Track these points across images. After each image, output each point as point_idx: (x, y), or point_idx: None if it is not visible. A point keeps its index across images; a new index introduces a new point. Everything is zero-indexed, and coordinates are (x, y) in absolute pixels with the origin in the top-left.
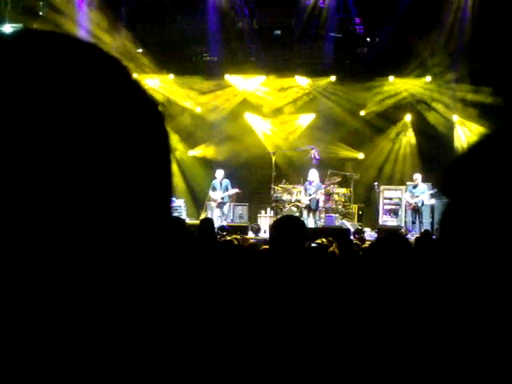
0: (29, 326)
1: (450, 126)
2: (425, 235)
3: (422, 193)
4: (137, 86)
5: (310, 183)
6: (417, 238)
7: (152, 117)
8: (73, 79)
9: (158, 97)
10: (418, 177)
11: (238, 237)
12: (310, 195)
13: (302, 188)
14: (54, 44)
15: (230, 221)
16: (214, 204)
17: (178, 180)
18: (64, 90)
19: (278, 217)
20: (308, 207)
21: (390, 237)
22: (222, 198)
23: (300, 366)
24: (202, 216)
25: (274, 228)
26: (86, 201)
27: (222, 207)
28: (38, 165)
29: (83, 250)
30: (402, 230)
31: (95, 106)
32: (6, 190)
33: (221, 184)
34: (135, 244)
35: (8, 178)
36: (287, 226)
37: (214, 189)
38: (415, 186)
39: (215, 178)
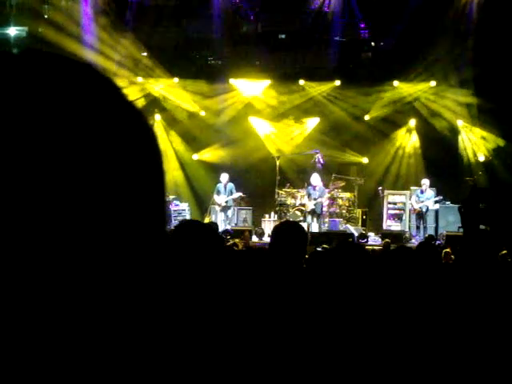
0: (29, 326)
1: (455, 131)
2: (428, 240)
3: (428, 198)
4: (128, 104)
5: (314, 188)
6: (420, 243)
7: (143, 133)
8: (66, 99)
9: (163, 100)
10: (425, 182)
11: (237, 240)
12: (315, 199)
13: (305, 192)
14: (50, 66)
15: (233, 225)
16: (218, 208)
17: (181, 184)
18: (58, 109)
19: (281, 221)
20: (312, 211)
21: (343, 245)
22: (226, 202)
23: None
24: (206, 220)
25: (274, 234)
26: (80, 207)
27: (226, 211)
28: (33, 179)
29: (79, 253)
30: (406, 235)
31: (86, 122)
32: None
33: (225, 188)
34: (131, 248)
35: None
36: (287, 232)
37: (219, 192)
38: (422, 192)
39: (219, 182)
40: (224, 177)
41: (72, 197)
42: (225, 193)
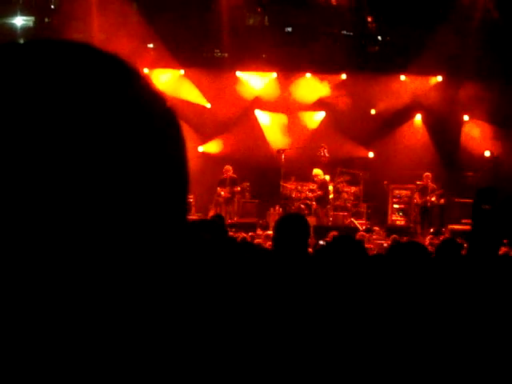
0: (29, 325)
1: (462, 126)
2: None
3: (432, 192)
4: (148, 89)
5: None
6: (438, 245)
7: (164, 119)
8: (84, 88)
9: (169, 92)
10: (427, 176)
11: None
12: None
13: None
14: (66, 55)
15: (238, 217)
16: (222, 200)
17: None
18: (75, 98)
19: (284, 214)
20: (317, 205)
21: (344, 239)
22: (231, 194)
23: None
24: (211, 212)
25: (276, 226)
26: (93, 204)
27: (230, 203)
28: (42, 168)
29: (89, 250)
30: (411, 230)
31: (105, 110)
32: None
33: (229, 180)
34: (148, 244)
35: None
36: (290, 225)
37: (223, 185)
38: (426, 186)
39: (224, 174)
40: (228, 169)
41: (95, 185)
42: (229, 185)
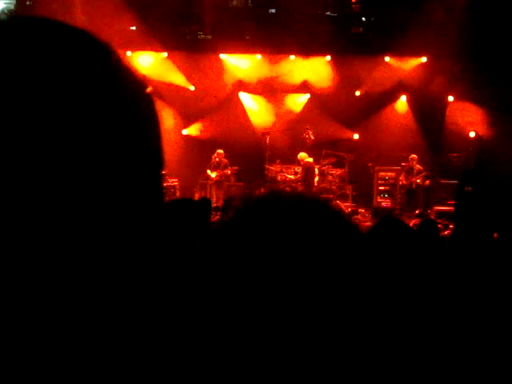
0: (29, 325)
1: (446, 107)
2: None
3: (417, 174)
4: (125, 71)
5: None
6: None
7: (141, 101)
8: (60, 67)
9: (152, 75)
10: (413, 158)
11: None
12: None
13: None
14: (43, 32)
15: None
16: (210, 183)
17: (171, 159)
18: (51, 78)
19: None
20: (302, 187)
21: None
22: (220, 178)
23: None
24: (196, 196)
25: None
26: (81, 193)
27: (219, 187)
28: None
29: (82, 242)
30: (397, 212)
31: (82, 91)
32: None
33: (219, 164)
34: (131, 234)
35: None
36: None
37: (213, 168)
38: (413, 168)
39: (214, 158)
40: (218, 153)
41: (69, 164)
42: (218, 168)
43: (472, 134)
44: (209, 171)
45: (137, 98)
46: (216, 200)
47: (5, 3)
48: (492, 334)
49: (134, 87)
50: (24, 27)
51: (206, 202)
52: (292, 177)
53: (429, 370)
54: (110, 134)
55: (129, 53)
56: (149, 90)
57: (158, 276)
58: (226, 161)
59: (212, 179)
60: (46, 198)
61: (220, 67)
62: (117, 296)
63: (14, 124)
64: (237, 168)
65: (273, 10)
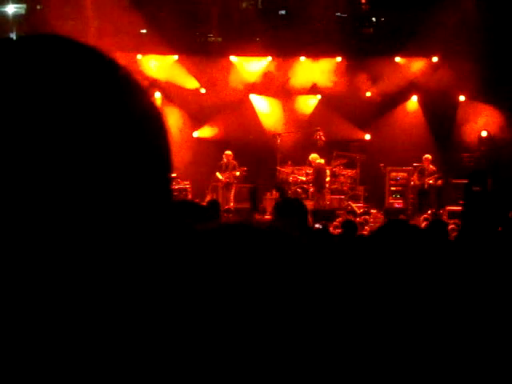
0: (29, 325)
1: (458, 107)
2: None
3: (430, 174)
4: (133, 85)
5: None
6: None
7: (149, 114)
8: (69, 84)
9: (162, 78)
10: (427, 158)
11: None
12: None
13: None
14: (53, 50)
15: (234, 203)
16: (220, 185)
17: (182, 161)
18: (61, 93)
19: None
20: (314, 189)
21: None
22: (229, 179)
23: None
24: (207, 198)
25: (275, 211)
26: (85, 198)
27: (228, 189)
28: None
29: (86, 244)
30: (409, 212)
31: (91, 105)
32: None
33: (228, 166)
34: (137, 239)
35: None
36: (288, 209)
37: (222, 170)
38: (424, 168)
39: (222, 159)
40: (227, 154)
41: (77, 173)
42: (227, 170)
43: (484, 134)
44: (218, 173)
45: (145, 110)
46: (226, 202)
47: (15, 8)
48: (494, 334)
49: (142, 101)
50: (31, 47)
51: (214, 203)
52: (303, 178)
53: (438, 369)
54: (119, 146)
55: (139, 56)
56: (157, 99)
57: (161, 277)
58: (234, 162)
59: (221, 181)
60: (57, 199)
61: (230, 69)
62: (121, 296)
63: (27, 144)
64: (245, 168)
65: (283, 12)
